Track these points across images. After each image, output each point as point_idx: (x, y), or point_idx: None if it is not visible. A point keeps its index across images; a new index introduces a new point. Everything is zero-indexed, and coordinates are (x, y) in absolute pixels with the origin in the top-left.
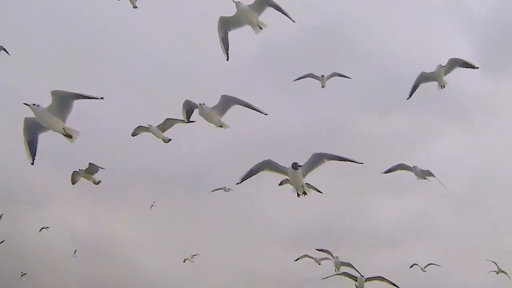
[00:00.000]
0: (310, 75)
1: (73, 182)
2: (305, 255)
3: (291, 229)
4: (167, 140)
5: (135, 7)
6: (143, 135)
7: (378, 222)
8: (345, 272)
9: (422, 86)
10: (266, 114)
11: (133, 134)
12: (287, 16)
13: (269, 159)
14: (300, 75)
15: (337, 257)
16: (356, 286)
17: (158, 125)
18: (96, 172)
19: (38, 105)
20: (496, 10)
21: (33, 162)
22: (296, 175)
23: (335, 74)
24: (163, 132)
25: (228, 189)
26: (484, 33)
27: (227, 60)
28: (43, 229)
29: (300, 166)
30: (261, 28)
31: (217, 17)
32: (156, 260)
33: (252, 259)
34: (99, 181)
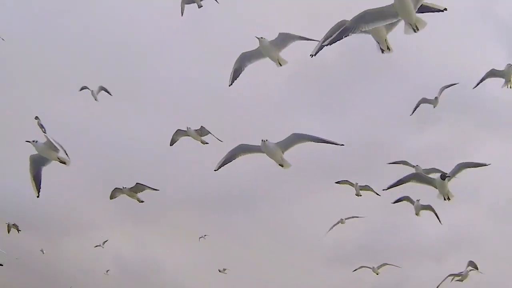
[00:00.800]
0: (423, 101)
1: (112, 197)
2: (362, 266)
3: (333, 244)
4: (205, 143)
5: (200, 6)
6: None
7: (422, 236)
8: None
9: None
10: (343, 145)
11: (172, 142)
12: (313, 40)
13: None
14: (414, 106)
15: (417, 200)
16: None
17: (196, 130)
18: (141, 192)
19: (37, 141)
20: None
21: (39, 195)
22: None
23: (444, 87)
24: (201, 136)
25: None
26: None
27: (230, 86)
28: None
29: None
30: (281, 64)
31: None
32: (197, 281)
33: (295, 276)
34: (142, 201)
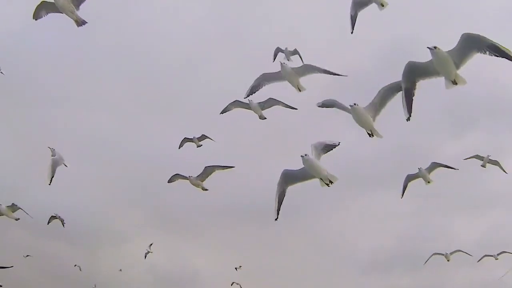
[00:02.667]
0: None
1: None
2: (434, 253)
3: (370, 252)
4: (264, 118)
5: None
6: None
7: (458, 241)
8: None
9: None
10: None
11: (225, 111)
12: (335, 74)
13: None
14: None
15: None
16: None
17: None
18: (209, 176)
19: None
20: None
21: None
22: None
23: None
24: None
25: None
26: None
27: (245, 98)
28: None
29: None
30: (300, 90)
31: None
32: None
33: (332, 284)
34: (206, 189)
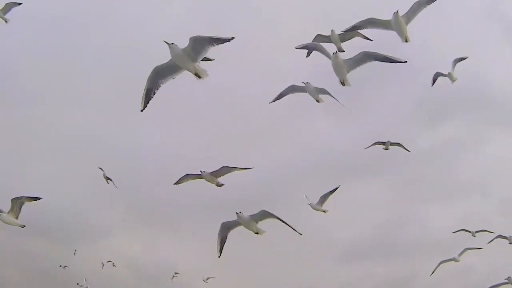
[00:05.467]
0: (438, 74)
1: (178, 183)
2: (462, 229)
3: (346, 241)
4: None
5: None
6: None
7: (432, 230)
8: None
9: None
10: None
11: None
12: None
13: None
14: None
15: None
16: None
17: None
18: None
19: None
20: None
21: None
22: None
23: (456, 60)
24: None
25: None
26: None
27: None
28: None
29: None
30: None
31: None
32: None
33: (309, 273)
34: (222, 184)
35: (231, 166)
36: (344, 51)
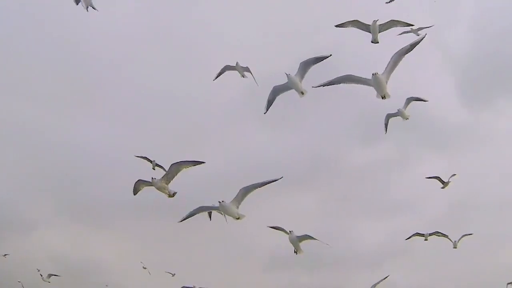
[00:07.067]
0: (390, 116)
1: (136, 192)
2: (416, 234)
3: (273, 249)
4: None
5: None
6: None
7: (360, 243)
8: None
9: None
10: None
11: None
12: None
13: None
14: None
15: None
16: None
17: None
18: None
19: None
20: (476, 45)
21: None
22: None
23: (412, 99)
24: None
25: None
26: (465, 68)
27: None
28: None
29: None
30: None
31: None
32: (137, 282)
33: (232, 279)
34: (175, 193)
35: (180, 161)
36: (378, 43)
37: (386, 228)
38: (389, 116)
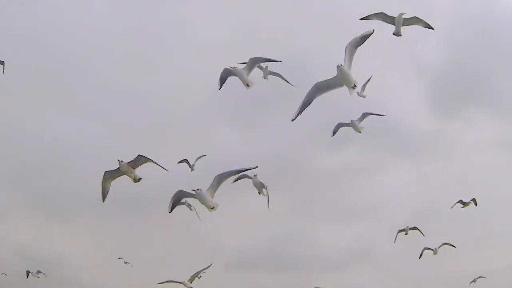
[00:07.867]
0: (340, 125)
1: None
2: (399, 230)
3: (237, 250)
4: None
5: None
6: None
7: (323, 246)
8: None
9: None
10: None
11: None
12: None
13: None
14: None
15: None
16: None
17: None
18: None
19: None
20: (447, 56)
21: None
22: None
23: (367, 114)
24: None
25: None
26: (435, 78)
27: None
28: None
29: None
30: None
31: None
32: (101, 278)
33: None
34: (140, 178)
35: (147, 156)
36: (401, 36)
37: (349, 233)
38: (340, 125)
